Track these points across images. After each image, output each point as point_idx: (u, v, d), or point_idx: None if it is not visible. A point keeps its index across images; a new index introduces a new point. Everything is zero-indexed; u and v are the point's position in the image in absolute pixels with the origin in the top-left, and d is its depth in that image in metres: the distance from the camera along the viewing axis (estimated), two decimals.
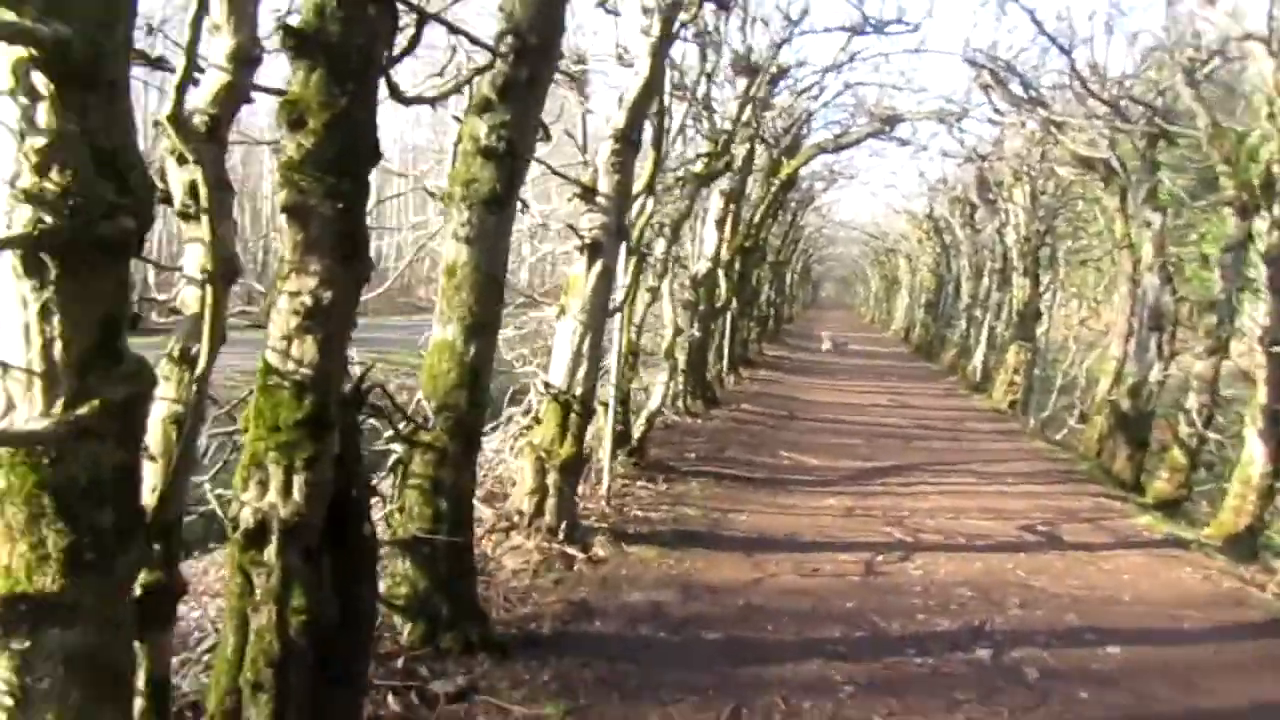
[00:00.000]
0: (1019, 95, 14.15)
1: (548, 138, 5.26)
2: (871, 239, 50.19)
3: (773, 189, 18.76)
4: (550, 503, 6.88)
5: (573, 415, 6.94)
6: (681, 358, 13.61)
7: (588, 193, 6.96)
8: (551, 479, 6.88)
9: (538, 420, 6.97)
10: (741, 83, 11.73)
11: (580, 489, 8.50)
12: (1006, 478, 11.83)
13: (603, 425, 8.60)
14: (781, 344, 33.41)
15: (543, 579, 6.31)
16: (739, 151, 14.12)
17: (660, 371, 10.41)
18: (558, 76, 7.93)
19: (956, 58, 14.03)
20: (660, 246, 9.94)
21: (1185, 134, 11.73)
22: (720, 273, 15.71)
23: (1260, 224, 10.57)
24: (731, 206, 16.14)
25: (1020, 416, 19.25)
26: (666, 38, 7.09)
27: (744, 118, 13.83)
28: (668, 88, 8.91)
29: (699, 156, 11.00)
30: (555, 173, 6.92)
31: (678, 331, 11.04)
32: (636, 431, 9.85)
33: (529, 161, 5.15)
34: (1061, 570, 7.78)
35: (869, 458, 12.40)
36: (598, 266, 6.97)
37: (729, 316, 18.86)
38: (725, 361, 19.12)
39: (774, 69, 13.72)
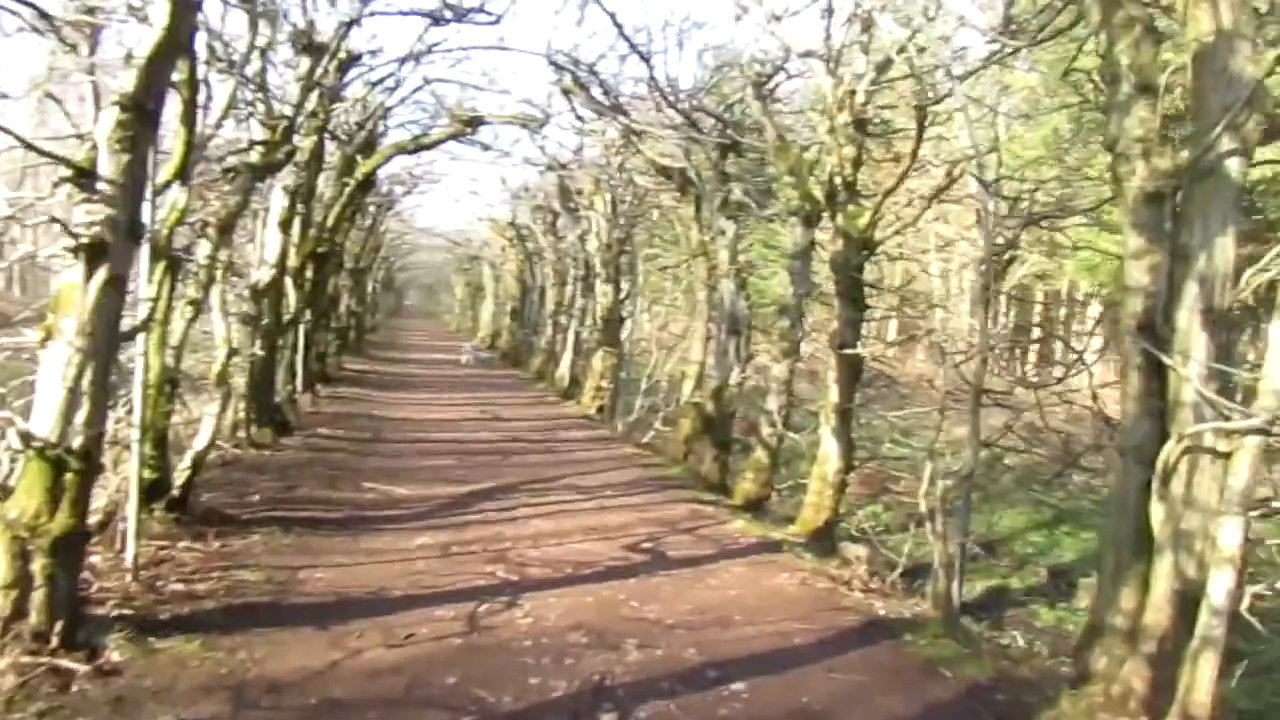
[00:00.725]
0: (600, 101, 14.03)
1: None
2: (455, 246, 49.58)
3: (347, 189, 17.14)
4: (37, 597, 5.01)
5: (69, 474, 5.12)
6: (242, 381, 11.68)
7: (82, 176, 5.17)
8: (38, 564, 5.01)
9: (4, 489, 5.03)
10: (304, 63, 10.17)
11: (96, 560, 6.58)
12: (605, 490, 11.50)
13: (126, 476, 6.69)
14: (365, 356, 31.50)
15: (22, 713, 4.49)
16: (305, 144, 12.45)
17: (211, 401, 8.57)
18: (41, 22, 6.01)
19: (539, 60, 13.53)
20: (203, 249, 8.14)
21: (754, 147, 12.20)
22: (288, 281, 13.89)
23: (822, 235, 11.23)
24: (299, 207, 14.36)
25: (609, 421, 19.49)
26: None
27: (309, 105, 12.23)
28: (204, 55, 7.22)
29: (254, 144, 9.29)
30: (30, 146, 5.03)
31: (233, 352, 9.22)
32: (179, 478, 7.96)
33: None
34: (672, 594, 7.36)
35: (464, 480, 11.43)
36: (101, 274, 5.20)
37: (301, 330, 16.94)
38: (299, 381, 17.14)
39: (343, 53, 12.27)
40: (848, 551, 9.67)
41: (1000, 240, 8.11)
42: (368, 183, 21.16)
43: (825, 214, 10.33)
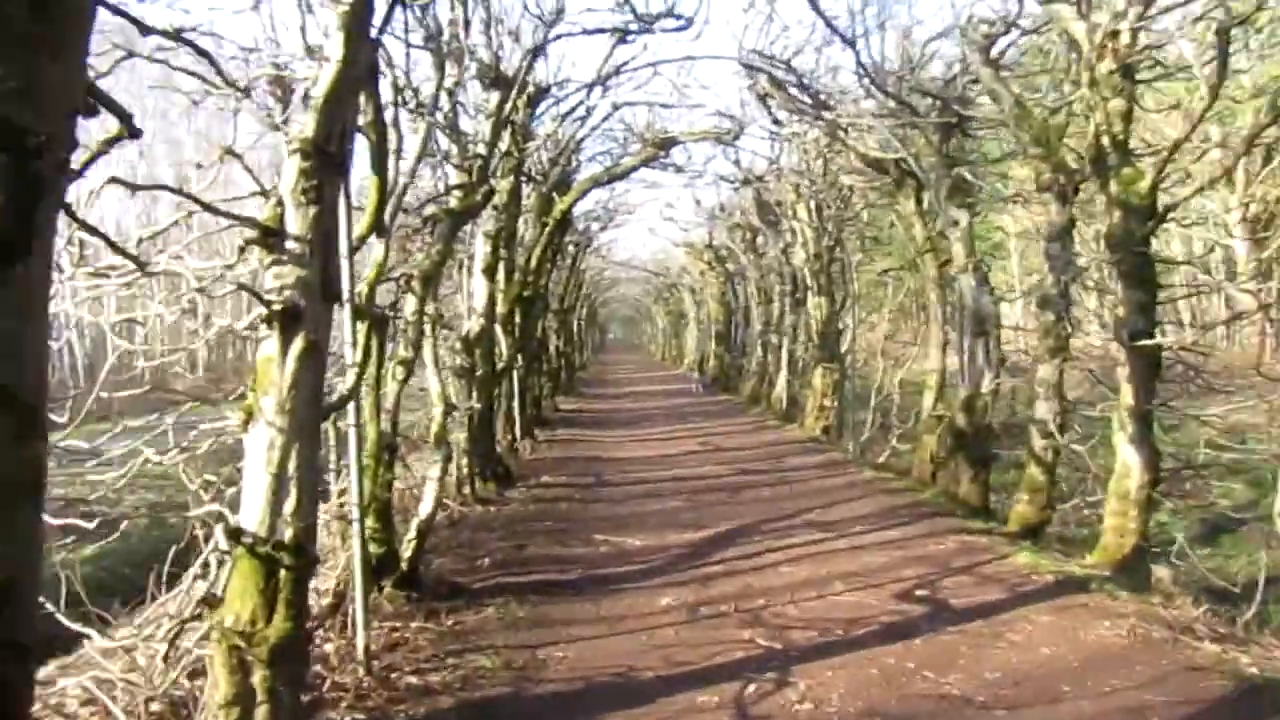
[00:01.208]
0: (800, 99, 12.92)
1: (90, 112, 2.93)
2: (654, 276, 49.54)
3: (547, 229, 16.81)
4: (260, 714, 4.43)
5: (282, 572, 4.54)
6: (461, 436, 11.32)
7: (268, 235, 4.63)
8: (258, 677, 4.44)
9: (215, 596, 4.49)
10: (493, 98, 9.69)
11: (329, 649, 6.08)
12: (854, 524, 10.27)
13: (351, 556, 6.17)
14: (577, 395, 31.55)
15: None
16: (502, 186, 12.06)
17: (432, 464, 8.08)
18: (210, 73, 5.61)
19: (730, 66, 12.65)
20: (410, 305, 7.68)
21: (985, 121, 10.72)
22: (498, 328, 13.56)
23: (1071, 210, 9.63)
24: (502, 252, 14.06)
25: (838, 442, 18.15)
26: (363, 4, 4.91)
27: (502, 145, 11.83)
28: (389, 92, 6.74)
29: (450, 189, 8.84)
30: (209, 208, 4.54)
31: (450, 407, 8.76)
32: (406, 550, 7.46)
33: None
34: (971, 657, 6.08)
35: (697, 524, 10.52)
36: (298, 342, 4.62)
37: (515, 376, 16.69)
38: (517, 428, 16.90)
39: (531, 87, 11.81)
40: (1164, 582, 7.99)
41: None
42: (565, 221, 20.94)
43: (1089, 183, 8.75)
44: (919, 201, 13.69)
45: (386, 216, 6.24)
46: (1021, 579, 7.89)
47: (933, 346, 13.67)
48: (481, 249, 11.42)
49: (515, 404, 17.00)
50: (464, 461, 11.31)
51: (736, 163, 21.81)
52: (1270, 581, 9.48)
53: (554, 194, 16.99)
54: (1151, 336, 8.07)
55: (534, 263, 16.95)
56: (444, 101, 8.71)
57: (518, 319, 16.44)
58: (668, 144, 16.89)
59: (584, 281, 40.67)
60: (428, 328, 8.73)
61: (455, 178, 9.17)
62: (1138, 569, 8.17)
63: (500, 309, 14.36)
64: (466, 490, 11.38)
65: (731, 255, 31.93)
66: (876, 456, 16.79)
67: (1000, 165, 13.63)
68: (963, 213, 11.78)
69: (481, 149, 9.12)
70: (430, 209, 8.26)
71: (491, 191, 8.97)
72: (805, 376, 22.84)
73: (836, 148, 16.08)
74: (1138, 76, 8.44)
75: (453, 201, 8.76)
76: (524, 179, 15.12)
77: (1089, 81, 8.16)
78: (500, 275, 14.71)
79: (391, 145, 6.77)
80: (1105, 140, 8.15)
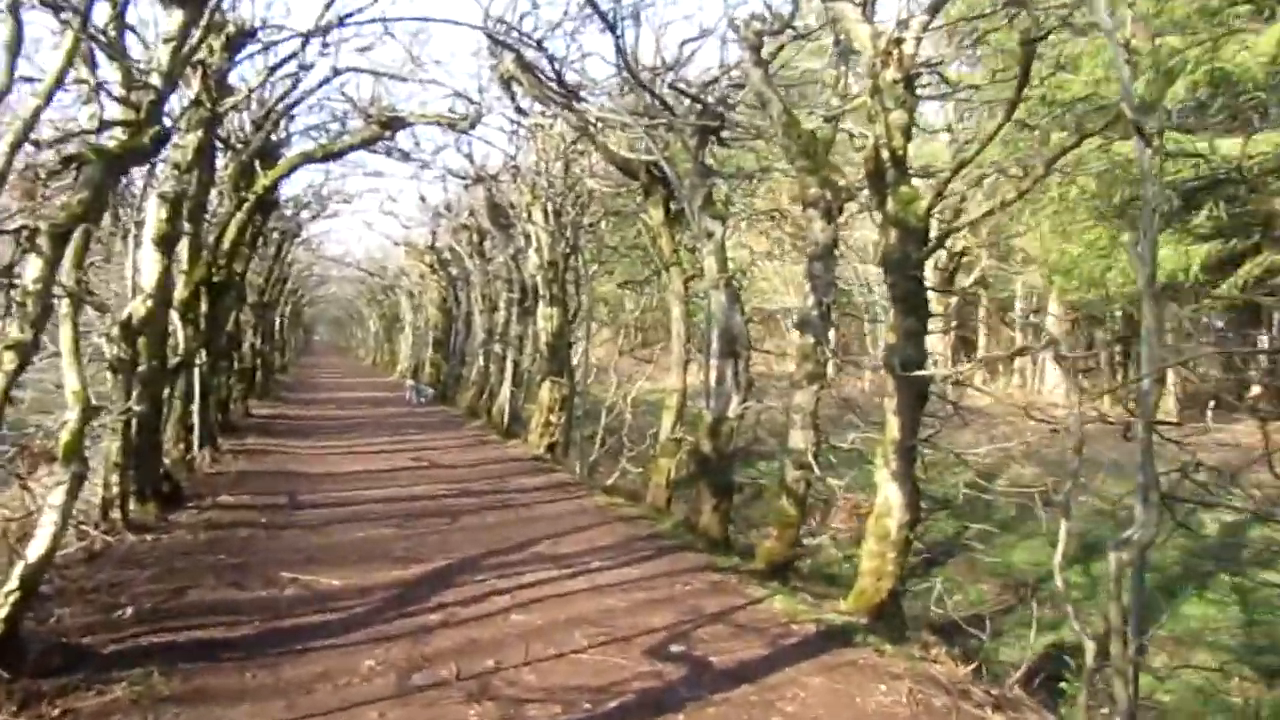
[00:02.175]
0: (550, 87, 11.73)
1: None
2: (369, 275, 46.54)
3: (245, 205, 14.47)
4: None
5: None
6: (114, 446, 9.01)
7: None
8: None
9: None
10: (175, 18, 7.62)
11: None
12: (590, 559, 9.14)
13: None
14: (274, 399, 28.41)
15: None
16: (187, 141, 9.87)
17: (56, 485, 5.98)
18: None
19: (471, 44, 11.26)
20: (32, 270, 5.60)
21: (748, 128, 10.07)
22: (174, 315, 11.22)
23: (835, 228, 9.17)
24: (185, 225, 11.73)
25: (565, 461, 17.10)
26: None
27: (190, 90, 9.71)
28: None
29: (106, 124, 6.75)
30: None
31: (91, 410, 6.63)
32: (1, 609, 5.35)
33: None
34: None
35: (411, 557, 8.94)
36: None
37: (196, 374, 14.17)
38: (196, 436, 14.34)
39: (231, 25, 9.76)
40: (924, 633, 7.52)
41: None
42: (269, 202, 18.52)
43: (864, 200, 8.24)
44: (668, 211, 12.96)
45: None
46: (781, 629, 7.08)
47: (674, 365, 12.94)
48: (155, 214, 9.19)
49: (195, 407, 14.42)
50: (114, 478, 8.98)
51: (469, 157, 20.41)
52: (990, 616, 9.38)
53: (256, 165, 14.68)
54: (921, 366, 7.60)
55: (228, 244, 14.54)
56: (103, 9, 6.67)
57: (203, 307, 13.99)
58: (394, 124, 15.13)
59: (289, 275, 37.19)
60: (63, 303, 6.61)
61: (117, 114, 7.08)
62: (895, 614, 7.66)
63: (180, 292, 11.99)
64: (116, 514, 9.05)
65: (456, 258, 30.22)
66: (606, 478, 15.90)
67: (754, 180, 13.19)
68: (716, 225, 11.10)
69: (156, 80, 7.08)
70: (74, 146, 6.17)
71: (164, 136, 6.97)
72: (531, 390, 21.70)
73: (581, 147, 15.10)
74: (918, 93, 8.03)
75: (109, 142, 6.70)
76: (219, 142, 12.81)
77: (871, 90, 7.61)
78: (183, 253, 12.34)
79: (6, 40, 4.81)
80: (885, 154, 7.62)
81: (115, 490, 9.03)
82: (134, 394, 9.11)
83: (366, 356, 68.31)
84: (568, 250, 18.22)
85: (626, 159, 12.76)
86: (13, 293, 5.61)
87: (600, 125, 12.22)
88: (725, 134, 11.53)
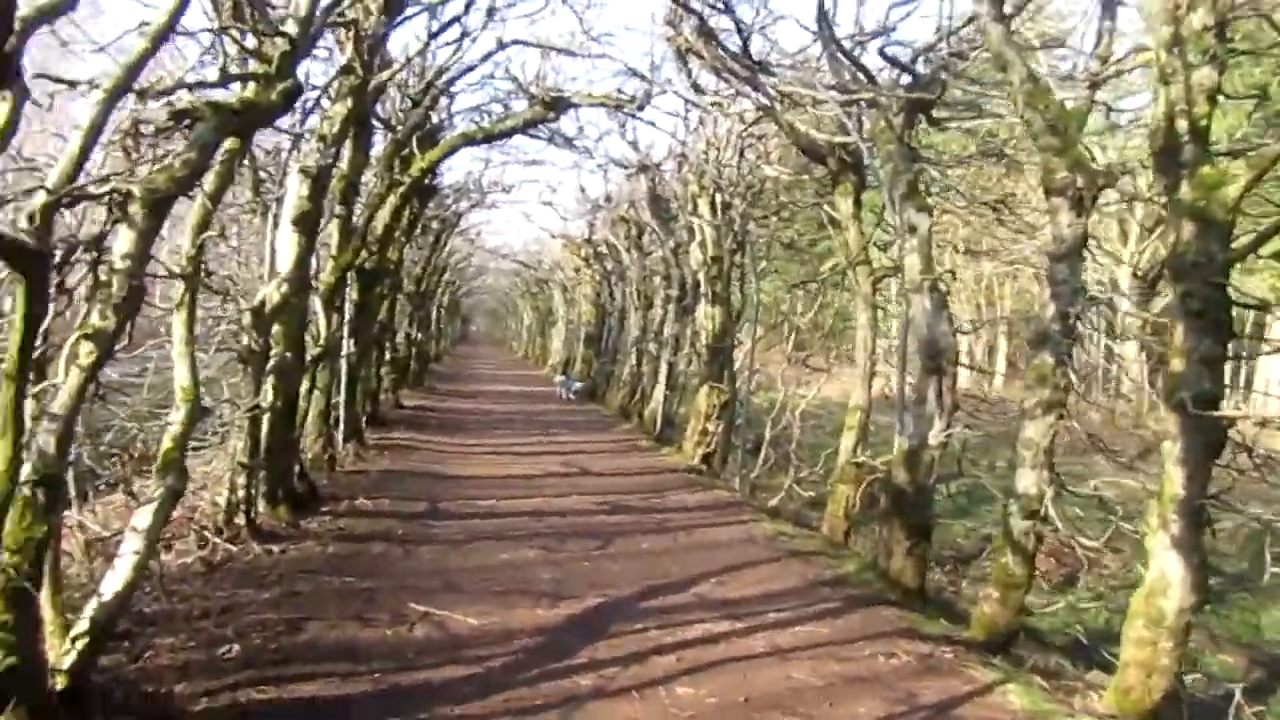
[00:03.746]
0: (734, 57, 10.29)
1: None
2: (525, 268, 46.39)
3: (401, 189, 13.68)
4: None
5: None
6: (240, 445, 8.16)
7: None
8: None
9: None
10: None
11: None
12: (766, 608, 7.66)
13: None
14: (427, 391, 28.12)
15: None
16: (335, 112, 8.95)
17: (143, 504, 4.98)
18: None
19: (649, 7, 9.93)
20: (123, 242, 4.60)
21: (972, 104, 8.36)
22: (316, 301, 10.41)
23: (1087, 222, 7.37)
24: (338, 208, 10.95)
25: (723, 475, 15.68)
26: None
27: (344, 53, 8.79)
28: None
29: (230, 78, 5.76)
30: None
31: (198, 412, 5.67)
32: (66, 654, 4.37)
33: None
34: None
35: (559, 592, 7.71)
36: None
37: (344, 365, 13.49)
38: (341, 430, 13.68)
39: None
40: None
41: None
42: (427, 188, 17.86)
43: (1124, 187, 6.45)
44: (858, 202, 11.32)
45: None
46: None
47: (859, 379, 11.28)
48: (295, 191, 8.29)
49: (340, 399, 13.77)
50: (240, 480, 8.12)
51: (634, 144, 19.21)
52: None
53: (414, 146, 13.88)
54: (1218, 404, 5.78)
55: (380, 228, 13.80)
56: None
57: (352, 295, 13.28)
58: (559, 105, 14.04)
59: (447, 266, 37.22)
60: (178, 288, 5.66)
61: (243, 65, 6.09)
62: None
63: (325, 277, 11.21)
64: (241, 519, 8.20)
65: (612, 252, 29.26)
66: (767, 496, 14.38)
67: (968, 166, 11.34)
68: (922, 218, 9.40)
69: (292, 29, 6.06)
70: (187, 98, 5.17)
71: (295, 91, 5.92)
72: (686, 394, 20.40)
73: (759, 131, 13.62)
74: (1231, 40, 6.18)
75: (232, 94, 5.70)
76: (373, 120, 11.99)
77: (1168, 40, 5.81)
78: (333, 236, 11.58)
79: None
80: (1181, 125, 5.82)
81: (241, 493, 8.16)
82: (265, 388, 8.23)
83: (520, 349, 68.84)
84: (734, 246, 16.76)
85: (814, 142, 11.19)
86: (100, 270, 4.61)
87: (788, 102, 10.69)
88: (939, 110, 9.81)
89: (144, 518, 4.90)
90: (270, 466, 9.03)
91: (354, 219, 11.60)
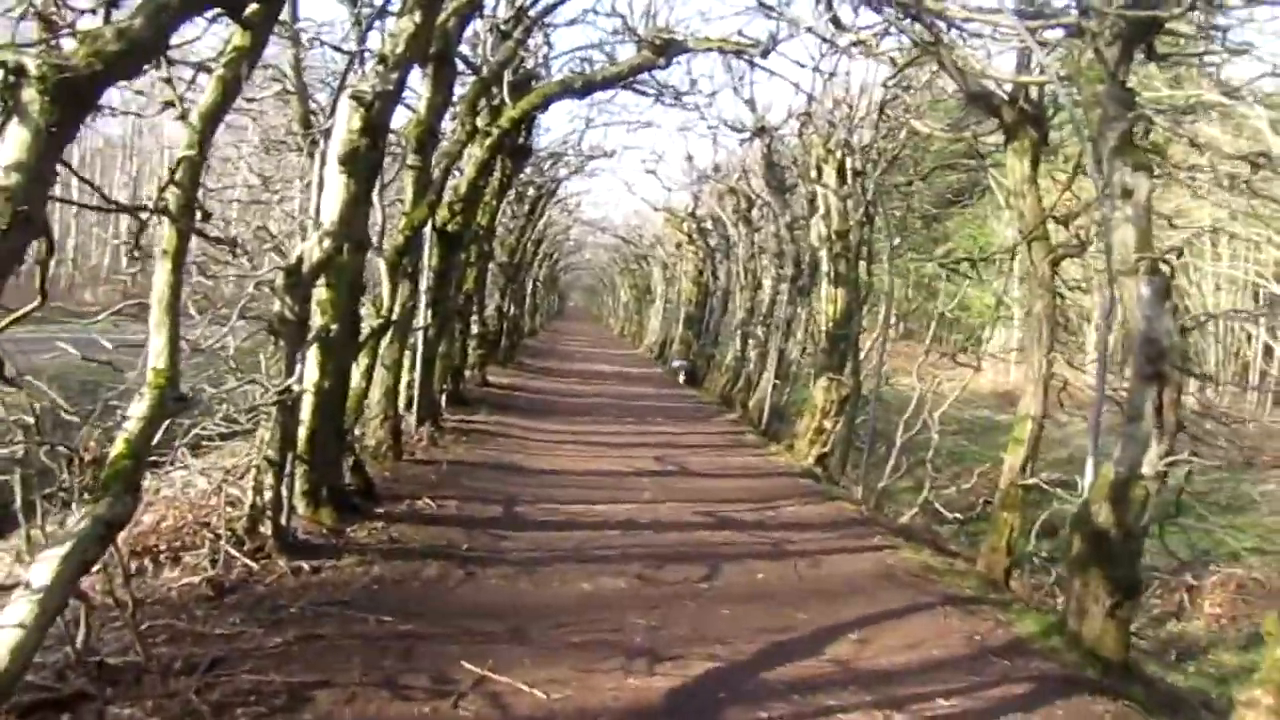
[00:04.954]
0: None
1: None
2: (624, 243, 44.70)
3: (489, 142, 12.01)
4: None
5: None
6: (266, 435, 6.58)
7: None
8: None
9: None
10: None
11: None
12: (929, 689, 5.70)
13: None
14: (516, 367, 26.68)
15: None
16: (400, 28, 7.25)
17: (50, 550, 3.33)
18: None
19: None
20: (12, 148, 2.97)
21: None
22: (380, 264, 8.82)
23: None
24: (413, 158, 9.36)
25: (842, 483, 13.68)
26: None
27: None
28: None
29: None
30: None
31: (171, 406, 4.04)
32: None
33: None
34: None
35: (653, 648, 5.90)
36: None
37: (420, 338, 11.97)
38: (415, 412, 12.18)
39: None
40: None
41: None
42: (522, 148, 16.23)
43: None
44: (1035, 163, 9.14)
45: None
46: None
47: (1031, 383, 9.13)
48: (344, 121, 6.61)
49: (415, 377, 12.25)
50: (267, 479, 6.54)
51: (750, 103, 17.17)
52: None
53: (504, 94, 12.20)
54: None
55: (464, 185, 12.16)
56: None
57: (431, 260, 11.72)
58: (670, 50, 12.14)
59: (544, 238, 35.74)
60: (165, 232, 4.06)
61: None
62: None
63: (397, 236, 9.61)
64: (268, 527, 6.62)
65: (718, 227, 27.31)
66: (896, 512, 12.36)
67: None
68: (1140, 179, 7.22)
69: None
70: None
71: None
72: (801, 385, 18.41)
73: (906, 78, 11.48)
74: None
75: None
76: (454, 55, 10.31)
77: None
78: (406, 192, 9.99)
79: None
80: None
81: (269, 495, 6.58)
82: (305, 366, 6.62)
83: (616, 326, 67.45)
84: (864, 219, 14.64)
85: (985, 87, 9.06)
86: None
87: (958, 35, 8.58)
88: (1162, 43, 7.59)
89: (47, 568, 3.26)
90: (312, 460, 7.45)
91: (430, 172, 9.95)
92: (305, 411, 7.44)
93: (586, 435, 15.34)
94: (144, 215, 4.08)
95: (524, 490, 10.34)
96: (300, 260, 6.35)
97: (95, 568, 5.87)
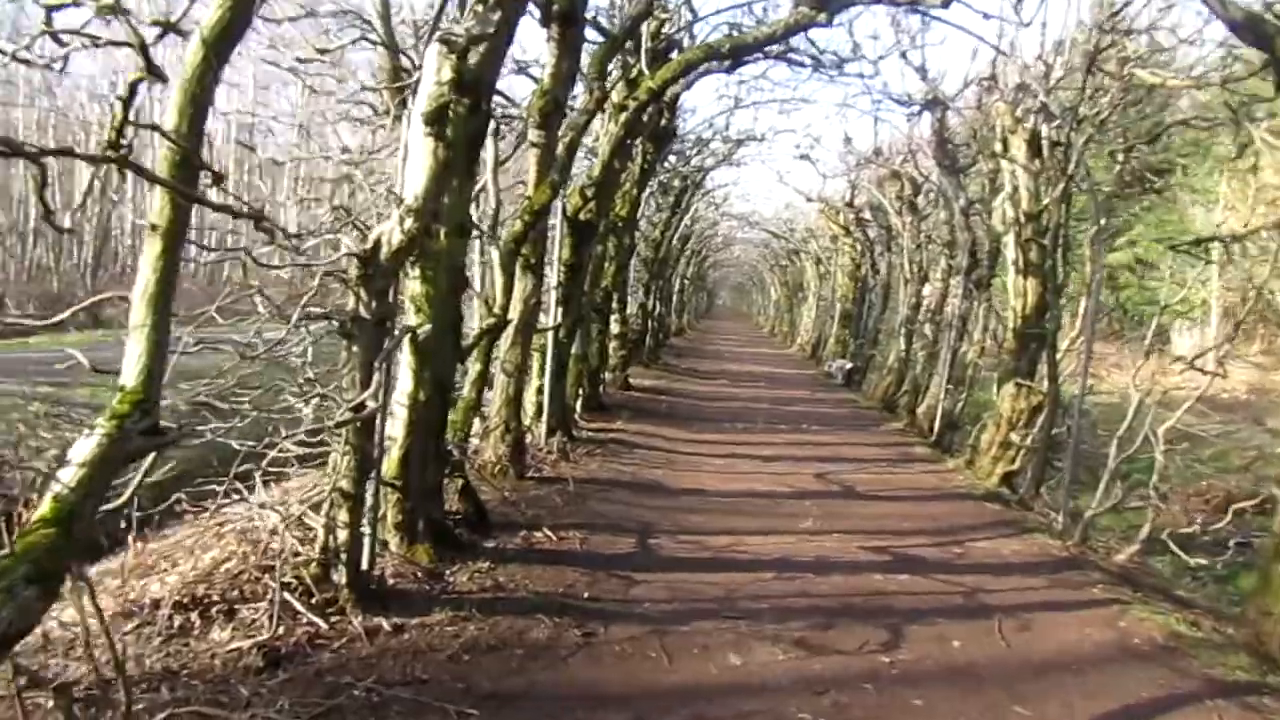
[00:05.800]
0: None
1: None
2: (774, 238, 42.75)
3: (624, 115, 10.62)
4: None
5: None
6: (344, 463, 5.34)
7: None
8: None
9: None
10: None
11: None
12: None
13: None
14: (662, 369, 25.33)
15: None
16: None
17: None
18: None
19: None
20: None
21: None
22: (493, 254, 7.57)
23: None
24: (535, 133, 8.10)
25: (1038, 508, 11.60)
26: None
27: None
28: None
29: None
30: None
31: (146, 437, 2.84)
32: None
33: None
34: None
35: None
36: None
37: (550, 339, 10.74)
38: (542, 425, 10.94)
39: None
40: None
41: None
42: (665, 130, 14.82)
43: None
44: None
45: None
46: None
47: None
48: (431, 73, 5.29)
49: (544, 383, 11.01)
50: (341, 515, 5.30)
51: (921, 71, 15.18)
52: None
53: (638, 62, 10.79)
54: None
55: (597, 168, 10.82)
56: None
57: (563, 252, 10.46)
58: (832, 3, 10.42)
59: (691, 233, 34.26)
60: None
61: None
62: None
63: (515, 223, 8.33)
64: (341, 574, 5.38)
65: (878, 216, 25.20)
66: (1108, 549, 10.23)
67: None
68: None
69: None
70: None
71: None
72: (978, 390, 16.30)
73: (1128, 20, 9.37)
74: None
75: None
76: (581, 14, 8.96)
77: None
78: (530, 172, 8.74)
79: None
80: None
81: (343, 534, 5.34)
82: (380, 375, 5.35)
83: (765, 324, 65.45)
84: (1062, 197, 12.46)
85: (1255, 12, 6.98)
86: None
87: None
88: None
89: None
90: (406, 486, 6.21)
91: (554, 148, 8.62)
92: (398, 428, 6.22)
93: (736, 446, 13.77)
94: (100, 165, 2.81)
95: (663, 517, 8.88)
96: (377, 244, 5.07)
97: (129, 625, 4.78)
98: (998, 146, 13.30)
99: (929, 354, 18.45)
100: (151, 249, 3.30)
